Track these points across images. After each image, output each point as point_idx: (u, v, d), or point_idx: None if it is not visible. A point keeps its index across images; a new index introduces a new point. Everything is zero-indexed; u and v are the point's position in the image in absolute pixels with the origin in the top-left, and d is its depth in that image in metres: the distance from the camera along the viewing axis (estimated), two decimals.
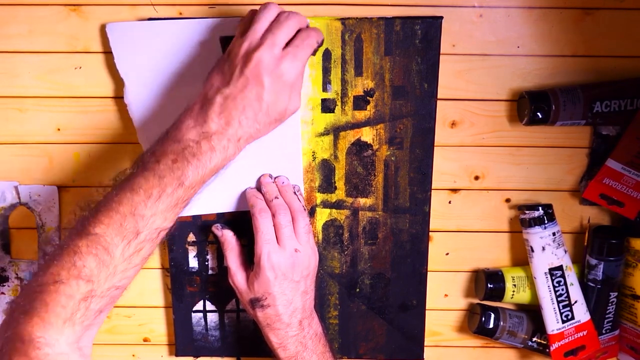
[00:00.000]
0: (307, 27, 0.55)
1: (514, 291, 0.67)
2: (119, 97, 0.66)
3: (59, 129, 0.67)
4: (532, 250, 0.65)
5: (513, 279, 0.67)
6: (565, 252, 0.65)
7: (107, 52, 0.64)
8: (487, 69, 0.64)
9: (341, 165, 0.66)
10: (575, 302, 0.65)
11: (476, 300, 0.70)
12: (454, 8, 0.62)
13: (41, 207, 0.69)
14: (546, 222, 0.64)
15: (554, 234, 0.64)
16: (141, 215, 0.49)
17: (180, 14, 0.63)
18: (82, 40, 0.64)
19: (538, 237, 0.64)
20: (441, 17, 0.62)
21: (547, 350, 0.67)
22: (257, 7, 0.54)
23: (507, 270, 0.68)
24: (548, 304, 0.65)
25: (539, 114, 0.62)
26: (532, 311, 0.68)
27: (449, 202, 0.68)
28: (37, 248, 0.70)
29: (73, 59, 0.65)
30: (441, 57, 0.62)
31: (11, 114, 0.66)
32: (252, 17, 0.54)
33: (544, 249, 0.64)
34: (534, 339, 0.67)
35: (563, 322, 0.65)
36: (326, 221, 0.67)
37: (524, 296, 0.67)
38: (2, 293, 0.72)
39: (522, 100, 0.63)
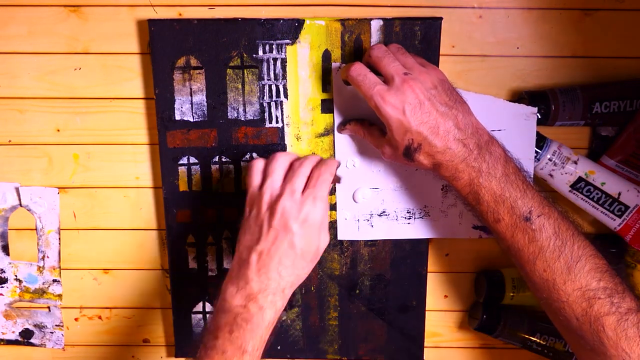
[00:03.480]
0: (320, 162, 0.56)
1: (513, 292, 0.67)
2: (118, 98, 0.66)
3: (58, 130, 0.67)
4: (545, 181, 0.64)
5: (513, 281, 0.67)
6: (576, 161, 0.62)
7: (107, 53, 0.64)
8: (486, 70, 0.64)
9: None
10: (619, 193, 0.63)
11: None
12: (453, 9, 0.63)
13: (41, 209, 0.69)
14: (538, 152, 0.62)
15: (550, 159, 0.62)
16: None
17: (180, 14, 0.63)
18: (81, 41, 0.64)
19: (537, 169, 0.63)
20: (441, 18, 0.62)
21: (546, 351, 0.67)
22: (260, 159, 0.56)
23: (508, 272, 0.67)
24: (594, 212, 0.64)
25: (538, 114, 0.62)
26: (532, 311, 0.68)
27: None
28: (37, 250, 0.70)
29: (72, 59, 0.65)
30: (441, 58, 0.63)
31: (11, 114, 0.66)
32: (263, 169, 0.56)
33: (551, 175, 0.63)
34: (534, 339, 0.67)
35: (619, 216, 0.63)
36: None
37: (524, 298, 0.67)
38: (1, 294, 0.72)
39: (522, 101, 0.63)
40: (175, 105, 0.64)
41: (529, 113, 0.62)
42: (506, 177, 0.53)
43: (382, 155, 0.58)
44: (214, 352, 0.52)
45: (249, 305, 0.52)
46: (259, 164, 0.56)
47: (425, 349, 0.71)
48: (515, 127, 0.62)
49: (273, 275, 0.53)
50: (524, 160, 0.61)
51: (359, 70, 0.55)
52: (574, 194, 0.63)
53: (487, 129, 0.55)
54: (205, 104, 0.64)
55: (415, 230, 0.66)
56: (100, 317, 0.73)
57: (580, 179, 0.63)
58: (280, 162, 0.55)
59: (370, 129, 0.60)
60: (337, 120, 0.64)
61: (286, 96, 0.64)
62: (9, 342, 0.73)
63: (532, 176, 0.62)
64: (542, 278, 0.52)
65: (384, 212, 0.66)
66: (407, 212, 0.66)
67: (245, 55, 0.62)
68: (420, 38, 0.62)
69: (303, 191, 0.54)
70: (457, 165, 0.53)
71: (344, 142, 0.64)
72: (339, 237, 0.67)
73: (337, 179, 0.58)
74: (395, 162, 0.58)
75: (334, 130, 0.64)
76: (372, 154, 0.64)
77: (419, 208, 0.66)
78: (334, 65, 0.62)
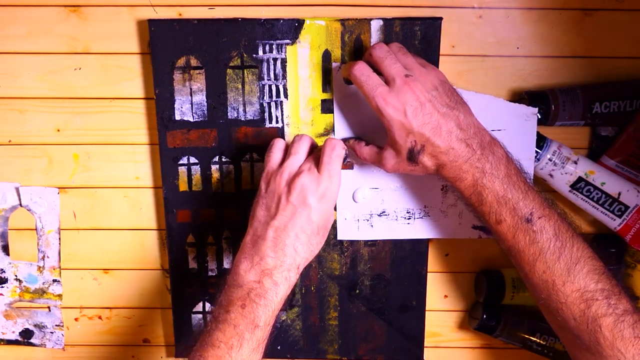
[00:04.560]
0: (331, 140, 0.57)
1: (514, 292, 0.67)
2: (118, 98, 0.66)
3: (58, 130, 0.67)
4: (545, 181, 0.64)
5: (513, 281, 0.67)
6: (576, 161, 0.62)
7: (106, 53, 0.64)
8: (486, 70, 0.64)
9: None
10: (619, 193, 0.63)
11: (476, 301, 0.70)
12: (453, 9, 0.63)
13: (41, 209, 0.69)
14: (538, 152, 0.62)
15: (550, 159, 0.62)
16: None
17: (180, 15, 0.63)
18: (81, 41, 0.64)
19: (537, 169, 0.63)
20: (441, 18, 0.62)
21: (546, 351, 0.67)
22: (280, 138, 0.58)
23: (508, 272, 0.67)
24: (594, 212, 0.64)
25: (538, 114, 0.62)
26: (532, 311, 0.68)
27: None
28: (37, 250, 0.70)
29: (72, 59, 0.65)
30: (441, 58, 0.63)
31: (11, 114, 0.66)
32: (285, 148, 0.59)
33: (551, 175, 0.63)
34: (534, 339, 0.67)
35: (619, 216, 0.63)
36: None
37: (524, 298, 0.67)
38: (1, 294, 0.72)
39: (522, 101, 0.63)
40: (175, 105, 0.64)
41: (529, 113, 0.62)
42: (508, 178, 0.53)
43: (385, 167, 0.57)
44: (225, 326, 0.52)
45: (263, 281, 0.52)
46: (280, 142, 0.58)
47: (425, 349, 0.71)
48: (515, 128, 0.62)
49: (289, 251, 0.53)
50: (524, 161, 0.61)
51: (362, 69, 0.55)
52: (574, 194, 0.63)
53: (487, 129, 0.55)
54: (205, 104, 0.64)
55: (415, 230, 0.66)
56: (100, 317, 0.73)
57: (580, 179, 0.63)
58: (304, 143, 0.58)
59: (368, 146, 0.60)
60: (337, 127, 0.64)
61: (286, 96, 0.64)
62: (9, 342, 0.73)
63: (532, 177, 0.62)
64: (542, 279, 0.53)
65: (383, 212, 0.66)
66: (407, 212, 0.66)
67: (245, 55, 0.62)
68: (420, 38, 0.62)
69: (318, 169, 0.55)
70: (461, 166, 0.53)
71: (343, 129, 0.64)
72: (339, 237, 0.67)
73: (346, 156, 0.58)
74: (400, 171, 0.57)
75: (333, 131, 0.64)
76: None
77: (419, 208, 0.66)
78: (334, 65, 0.62)
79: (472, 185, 0.54)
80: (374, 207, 0.66)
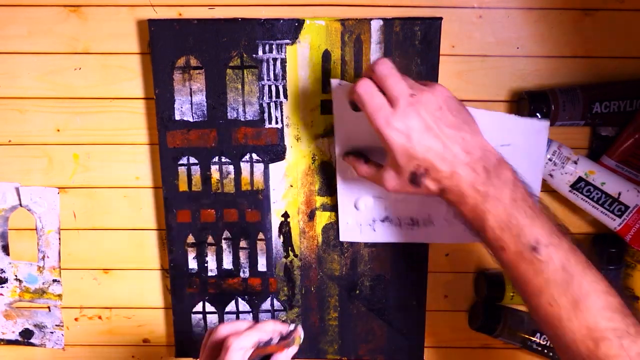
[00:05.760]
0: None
1: (513, 292, 0.67)
2: (118, 98, 0.66)
3: (58, 130, 0.67)
4: (545, 181, 0.64)
5: None
6: (576, 161, 0.62)
7: (106, 53, 0.64)
8: (486, 70, 0.64)
9: None
10: (619, 193, 0.62)
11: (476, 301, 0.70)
12: (453, 9, 0.62)
13: (41, 209, 0.69)
14: None
15: (550, 159, 0.62)
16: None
17: (180, 15, 0.63)
18: (81, 41, 0.64)
19: None
20: (441, 18, 0.62)
21: (546, 351, 0.67)
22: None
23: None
24: (594, 212, 0.63)
25: (538, 114, 0.62)
26: None
27: None
28: (37, 250, 0.70)
29: (73, 59, 0.65)
30: (441, 58, 0.62)
31: (11, 114, 0.66)
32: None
33: (551, 175, 0.63)
34: (534, 339, 0.67)
35: (619, 216, 0.63)
36: (326, 224, 0.67)
37: None
38: (1, 294, 0.72)
39: (522, 101, 0.63)
40: (175, 105, 0.64)
41: (540, 127, 0.60)
42: (514, 203, 0.50)
43: (386, 187, 0.54)
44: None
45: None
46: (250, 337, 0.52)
47: (425, 349, 0.71)
48: (524, 142, 0.60)
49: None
50: (533, 177, 0.59)
51: (366, 87, 0.52)
52: (574, 194, 0.63)
53: (495, 143, 0.53)
54: (205, 104, 0.64)
55: (419, 235, 0.66)
56: (100, 317, 0.73)
57: (580, 179, 0.63)
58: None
59: (367, 164, 0.58)
60: (338, 143, 0.61)
61: (286, 97, 0.64)
62: (9, 342, 0.73)
63: (539, 198, 0.60)
64: (548, 313, 0.49)
65: (386, 218, 0.65)
66: (411, 220, 0.65)
67: (245, 55, 0.62)
68: (420, 38, 0.62)
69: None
70: (464, 190, 0.51)
71: (344, 142, 0.62)
72: (341, 239, 0.67)
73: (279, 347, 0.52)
74: (401, 192, 0.54)
75: (333, 132, 0.64)
76: (375, 159, 0.60)
77: (423, 218, 0.65)
78: (334, 82, 0.58)
79: (473, 210, 0.51)
80: (377, 214, 0.65)
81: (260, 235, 0.68)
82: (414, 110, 0.50)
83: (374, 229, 0.66)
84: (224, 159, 0.65)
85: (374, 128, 0.52)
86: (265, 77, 0.63)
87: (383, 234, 0.66)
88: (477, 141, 0.51)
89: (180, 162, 0.65)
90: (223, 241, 0.68)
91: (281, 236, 0.68)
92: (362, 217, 0.65)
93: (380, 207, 0.65)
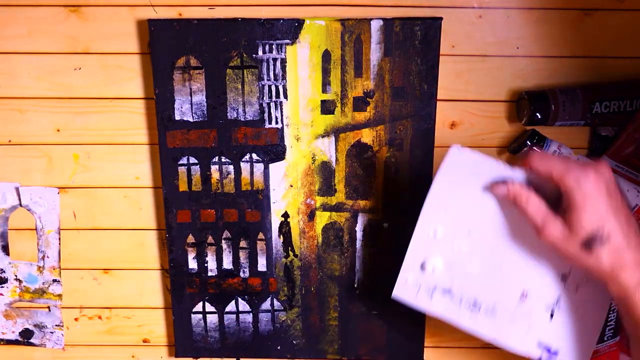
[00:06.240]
0: None
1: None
2: (118, 98, 0.66)
3: (58, 130, 0.67)
4: None
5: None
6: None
7: (106, 53, 0.64)
8: (486, 70, 0.64)
9: (341, 167, 0.66)
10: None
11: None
12: (453, 9, 0.62)
13: (41, 209, 0.69)
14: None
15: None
16: None
17: (180, 15, 0.63)
18: (81, 41, 0.64)
19: None
20: (441, 18, 0.62)
21: None
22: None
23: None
24: None
25: (538, 114, 0.62)
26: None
27: None
28: (37, 250, 0.70)
29: (72, 60, 0.65)
30: (441, 58, 0.63)
31: (11, 114, 0.66)
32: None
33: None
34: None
35: None
36: (326, 224, 0.67)
37: None
38: (1, 294, 0.72)
39: (522, 101, 0.63)
40: (175, 105, 0.64)
41: None
42: None
43: (543, 234, 0.49)
44: None
45: None
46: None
47: (425, 349, 0.71)
48: None
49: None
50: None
51: (518, 192, 0.50)
52: None
53: None
54: (205, 104, 0.64)
55: (475, 323, 0.57)
56: (100, 317, 0.73)
57: None
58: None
59: (538, 199, 0.50)
60: (433, 195, 0.55)
61: (286, 97, 0.64)
62: (9, 342, 0.73)
63: None
64: None
65: (449, 291, 0.57)
66: (474, 303, 0.57)
67: (245, 55, 0.62)
68: (420, 38, 0.62)
69: None
70: None
71: (437, 202, 0.55)
72: (394, 294, 0.59)
73: None
74: (555, 247, 0.49)
75: (333, 132, 0.64)
76: (459, 230, 0.55)
77: (488, 305, 0.57)
78: (455, 148, 0.54)
79: None
80: (441, 282, 0.57)
81: (260, 235, 0.68)
82: (606, 168, 0.48)
83: (431, 297, 0.58)
84: (224, 159, 0.65)
85: (565, 182, 0.48)
86: (265, 77, 0.63)
87: (438, 308, 0.58)
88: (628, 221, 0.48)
89: (180, 162, 0.65)
90: (223, 241, 0.68)
91: (281, 236, 0.68)
92: (424, 280, 0.58)
93: (447, 275, 0.57)
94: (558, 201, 0.49)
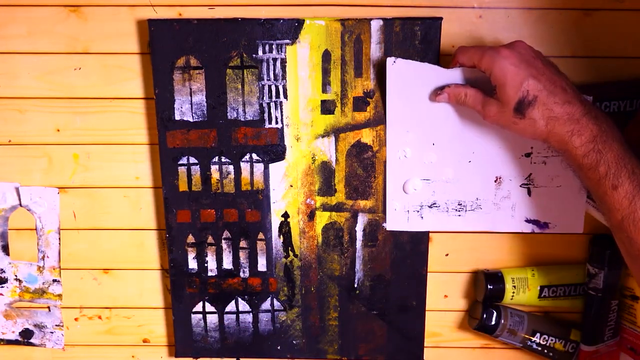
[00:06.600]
0: None
1: (513, 292, 0.67)
2: (118, 98, 0.66)
3: (58, 130, 0.67)
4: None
5: (513, 280, 0.67)
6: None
7: (106, 53, 0.64)
8: None
9: (341, 167, 0.66)
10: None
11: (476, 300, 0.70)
12: (453, 9, 0.62)
13: (41, 209, 0.69)
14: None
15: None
16: None
17: (180, 15, 0.63)
18: (81, 41, 0.64)
19: None
20: (441, 18, 0.62)
21: (546, 351, 0.67)
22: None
23: (507, 272, 0.67)
24: (594, 212, 0.63)
25: None
26: (532, 311, 0.68)
27: None
28: (37, 250, 0.70)
29: (72, 59, 0.65)
30: (441, 58, 0.62)
31: (11, 114, 0.66)
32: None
33: None
34: (534, 339, 0.67)
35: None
36: (326, 224, 0.67)
37: (523, 297, 0.67)
38: (1, 294, 0.72)
39: None
40: (175, 105, 0.64)
41: None
42: (624, 144, 0.51)
43: (485, 116, 0.56)
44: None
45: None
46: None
47: (425, 349, 0.71)
48: None
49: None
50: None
51: (456, 92, 0.58)
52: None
53: None
54: (205, 104, 0.64)
55: (466, 222, 0.66)
56: (100, 317, 0.73)
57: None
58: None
59: (474, 89, 0.57)
60: (390, 119, 0.63)
61: (286, 97, 0.64)
62: (9, 342, 0.73)
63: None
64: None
65: (434, 203, 0.65)
66: (459, 204, 0.65)
67: (245, 55, 0.62)
68: (420, 38, 0.62)
69: None
70: (579, 119, 0.50)
71: (396, 132, 0.63)
72: (388, 228, 0.66)
73: None
74: (499, 123, 0.55)
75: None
76: (424, 145, 0.63)
77: (471, 200, 0.65)
78: (389, 60, 0.61)
79: (590, 142, 0.50)
80: (425, 199, 0.65)
81: (260, 235, 0.68)
82: (519, 44, 0.54)
83: (421, 217, 0.65)
84: (224, 159, 0.65)
85: (484, 67, 0.54)
86: (265, 77, 0.63)
87: (430, 222, 0.66)
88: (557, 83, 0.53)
89: (180, 162, 0.65)
90: (223, 241, 0.68)
91: (281, 236, 0.68)
92: (409, 202, 0.65)
93: (428, 190, 0.64)
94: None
